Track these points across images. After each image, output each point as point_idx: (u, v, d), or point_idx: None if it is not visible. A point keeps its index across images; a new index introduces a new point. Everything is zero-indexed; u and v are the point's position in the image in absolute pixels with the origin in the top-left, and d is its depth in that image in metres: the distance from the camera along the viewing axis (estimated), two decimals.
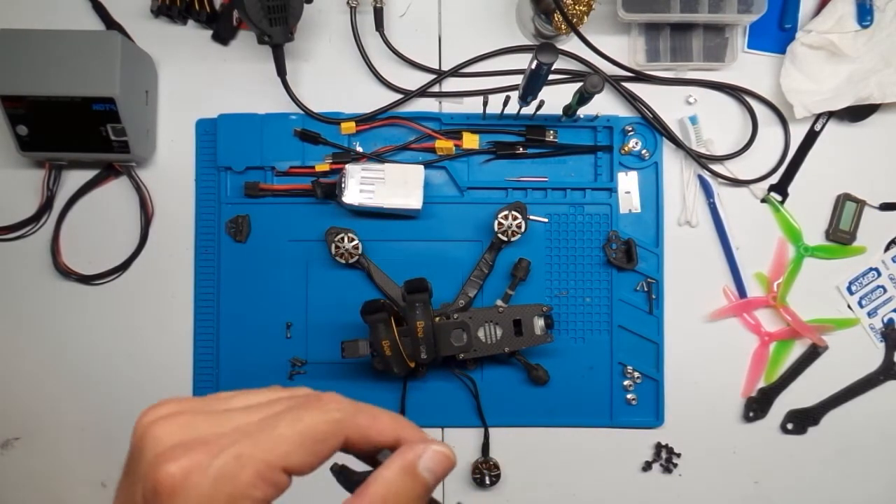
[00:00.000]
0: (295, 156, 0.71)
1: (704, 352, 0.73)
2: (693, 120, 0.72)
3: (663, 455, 0.73)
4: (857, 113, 0.73)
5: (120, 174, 0.72)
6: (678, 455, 0.73)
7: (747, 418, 0.73)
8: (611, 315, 0.72)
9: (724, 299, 0.74)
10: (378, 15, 0.71)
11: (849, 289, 0.74)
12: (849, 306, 0.74)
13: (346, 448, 0.27)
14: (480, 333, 0.67)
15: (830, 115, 0.73)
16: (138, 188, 0.72)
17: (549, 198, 0.72)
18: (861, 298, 0.74)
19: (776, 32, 0.73)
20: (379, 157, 0.70)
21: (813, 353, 0.74)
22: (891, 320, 0.74)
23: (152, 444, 0.24)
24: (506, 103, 0.67)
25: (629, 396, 0.72)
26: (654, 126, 0.72)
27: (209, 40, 0.73)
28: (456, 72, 0.73)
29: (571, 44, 0.72)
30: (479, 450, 0.72)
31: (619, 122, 0.72)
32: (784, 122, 0.74)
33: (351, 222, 0.71)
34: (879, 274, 0.74)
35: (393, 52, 0.72)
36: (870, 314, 0.74)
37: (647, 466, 0.73)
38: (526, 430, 0.73)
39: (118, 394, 0.72)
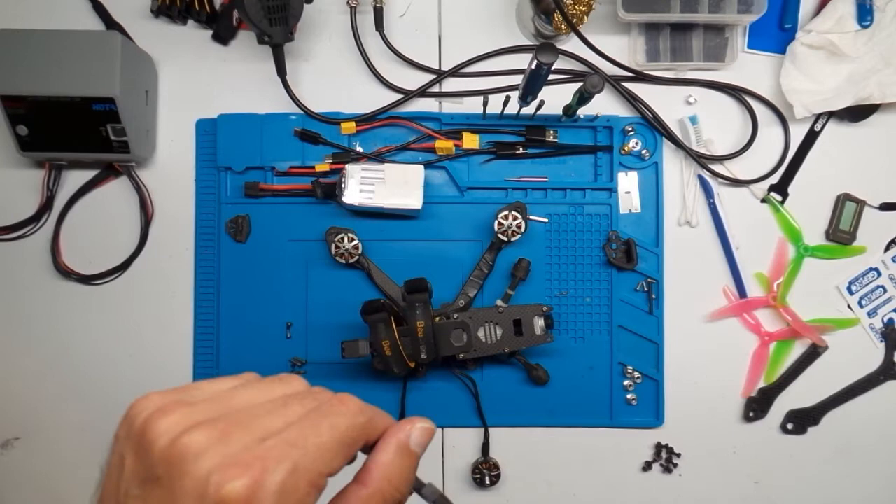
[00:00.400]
0: (295, 156, 0.71)
1: (704, 352, 0.73)
2: (693, 120, 0.72)
3: (663, 455, 0.73)
4: (857, 113, 0.73)
5: (120, 174, 0.72)
6: (678, 455, 0.73)
7: (747, 418, 0.73)
8: (611, 315, 0.72)
9: (724, 299, 0.74)
10: (378, 15, 0.71)
11: (849, 289, 0.74)
12: (849, 306, 0.74)
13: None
14: (480, 333, 0.67)
15: (830, 115, 0.73)
16: (138, 188, 0.72)
17: (549, 198, 0.72)
18: (861, 298, 0.74)
19: (776, 32, 0.73)
20: (379, 157, 0.70)
21: (813, 353, 0.74)
22: (891, 320, 0.74)
23: (196, 460, 0.23)
24: (506, 103, 0.67)
25: (629, 396, 0.72)
26: (654, 126, 0.72)
27: (209, 40, 0.73)
28: (456, 72, 0.73)
29: (571, 44, 0.72)
30: (479, 450, 0.72)
31: (619, 122, 0.72)
32: (784, 122, 0.74)
33: (351, 222, 0.71)
34: (879, 274, 0.74)
35: (393, 52, 0.72)
36: (870, 314, 0.74)
37: (647, 466, 0.73)
38: (526, 430, 0.73)
39: (118, 394, 0.72)
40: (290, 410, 0.26)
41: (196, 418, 0.25)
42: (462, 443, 0.73)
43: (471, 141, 0.71)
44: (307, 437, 0.25)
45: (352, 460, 0.28)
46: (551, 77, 0.66)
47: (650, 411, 0.73)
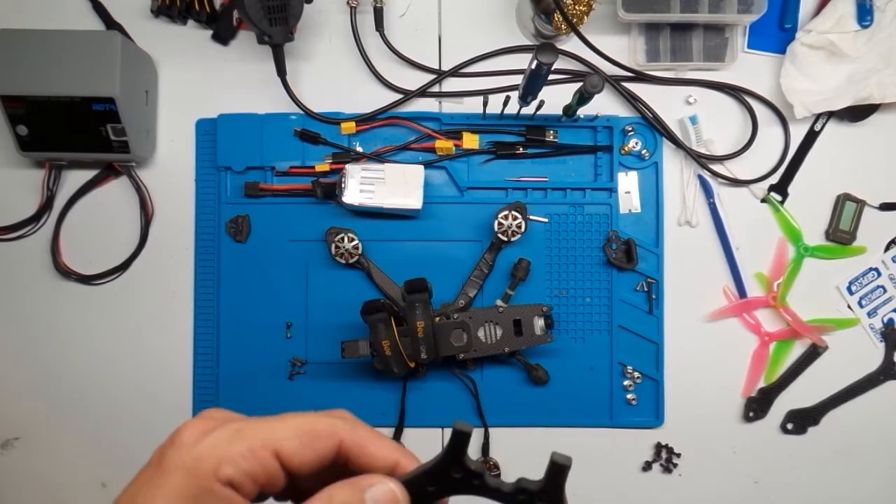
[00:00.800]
0: (295, 156, 0.71)
1: (704, 352, 0.73)
2: (693, 120, 0.72)
3: (663, 455, 0.73)
4: (857, 113, 0.73)
5: (120, 174, 0.72)
6: (678, 455, 0.73)
7: (747, 418, 0.73)
8: (611, 315, 0.72)
9: (724, 299, 0.74)
10: (378, 15, 0.71)
11: (849, 289, 0.74)
12: (849, 306, 0.74)
13: (344, 459, 0.28)
14: (480, 333, 0.67)
15: (830, 115, 0.73)
16: (138, 188, 0.72)
17: (549, 198, 0.72)
18: (861, 298, 0.74)
19: (776, 32, 0.73)
20: (379, 157, 0.70)
21: (813, 353, 0.74)
22: (891, 320, 0.74)
23: (191, 419, 0.28)
24: (506, 103, 0.67)
25: (629, 396, 0.72)
26: (654, 126, 0.72)
27: (209, 40, 0.73)
28: (456, 72, 0.73)
29: (571, 44, 0.72)
30: (479, 450, 0.72)
31: (619, 122, 0.72)
32: (784, 122, 0.74)
33: (351, 222, 0.71)
34: (879, 274, 0.74)
35: (393, 52, 0.72)
36: (870, 314, 0.74)
37: (647, 466, 0.73)
38: (526, 430, 0.73)
39: (118, 394, 0.72)
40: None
41: (226, 411, 0.29)
42: None
43: (471, 141, 0.71)
44: (269, 419, 0.27)
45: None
46: (551, 77, 0.66)
47: (650, 411, 0.73)
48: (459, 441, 0.27)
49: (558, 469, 0.27)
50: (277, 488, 0.27)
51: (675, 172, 0.73)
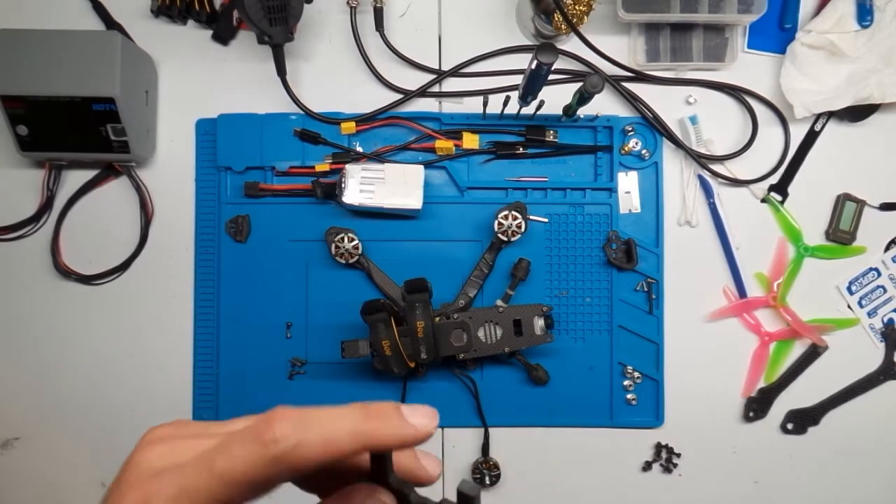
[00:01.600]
0: (295, 156, 0.71)
1: (704, 352, 0.73)
2: (693, 120, 0.72)
3: (663, 455, 0.73)
4: (857, 113, 0.73)
5: (120, 174, 0.72)
6: (678, 455, 0.73)
7: (747, 418, 0.73)
8: (611, 315, 0.72)
9: (724, 299, 0.74)
10: (378, 15, 0.71)
11: (849, 289, 0.74)
12: (849, 306, 0.74)
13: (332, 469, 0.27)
14: (480, 333, 0.67)
15: (830, 115, 0.73)
16: (138, 188, 0.72)
17: (549, 198, 0.72)
18: (861, 298, 0.74)
19: (776, 32, 0.73)
20: (379, 157, 0.70)
21: (813, 353, 0.74)
22: (891, 320, 0.74)
23: (137, 458, 0.26)
24: (506, 103, 0.67)
25: (629, 396, 0.72)
26: (654, 126, 0.72)
27: (209, 40, 0.73)
28: (456, 72, 0.73)
29: (571, 44, 0.72)
30: (479, 450, 0.72)
31: (619, 122, 0.72)
32: (784, 122, 0.74)
33: (351, 222, 0.71)
34: (879, 274, 0.74)
35: (393, 52, 0.72)
36: (870, 314, 0.74)
37: (647, 466, 0.73)
38: (526, 430, 0.73)
39: (118, 393, 0.72)
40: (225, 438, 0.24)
41: (173, 441, 0.26)
42: (462, 443, 0.73)
43: (471, 141, 0.71)
44: (200, 461, 0.23)
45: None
46: (551, 77, 0.66)
47: (650, 411, 0.73)
48: (379, 462, 0.27)
49: (466, 500, 0.26)
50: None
51: (675, 172, 0.73)
